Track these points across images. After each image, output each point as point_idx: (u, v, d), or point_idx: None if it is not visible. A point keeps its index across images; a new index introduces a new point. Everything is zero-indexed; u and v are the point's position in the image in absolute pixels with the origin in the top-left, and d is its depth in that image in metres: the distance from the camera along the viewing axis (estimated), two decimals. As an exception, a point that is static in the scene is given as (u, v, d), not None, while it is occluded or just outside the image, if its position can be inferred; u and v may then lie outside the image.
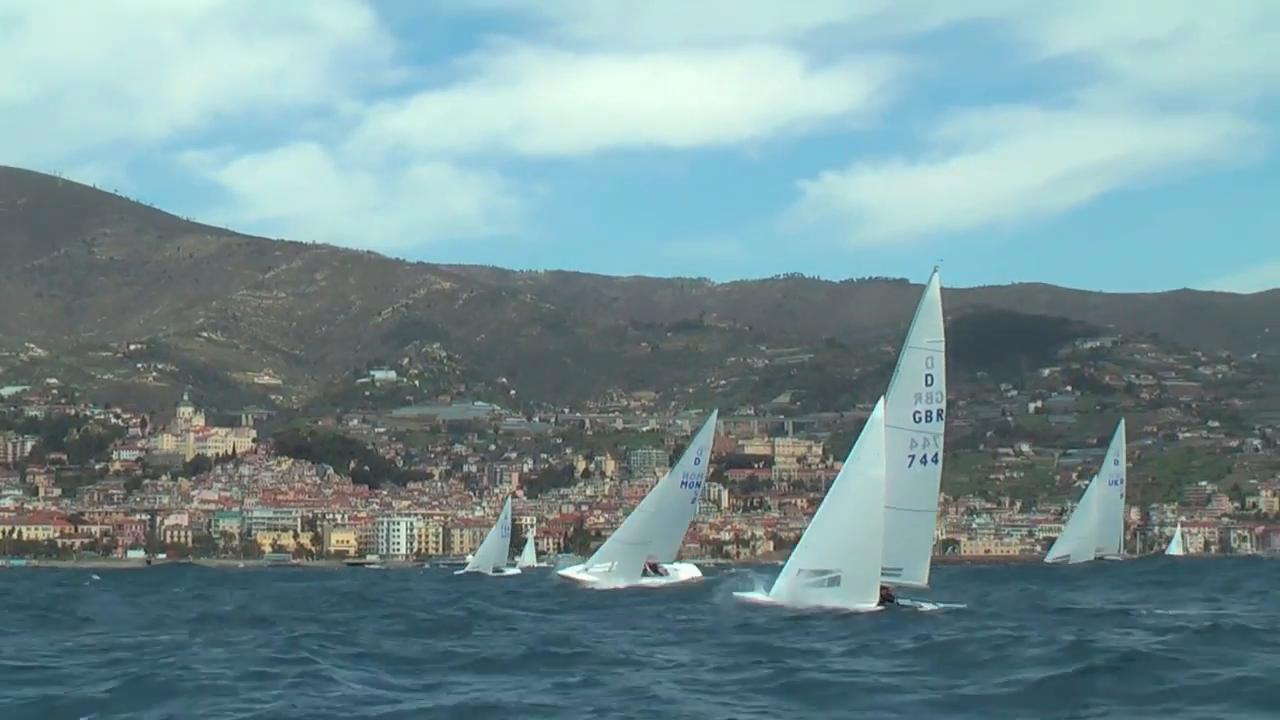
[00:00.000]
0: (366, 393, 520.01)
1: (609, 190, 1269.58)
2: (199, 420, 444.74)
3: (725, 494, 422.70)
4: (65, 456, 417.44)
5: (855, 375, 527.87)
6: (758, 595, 59.84)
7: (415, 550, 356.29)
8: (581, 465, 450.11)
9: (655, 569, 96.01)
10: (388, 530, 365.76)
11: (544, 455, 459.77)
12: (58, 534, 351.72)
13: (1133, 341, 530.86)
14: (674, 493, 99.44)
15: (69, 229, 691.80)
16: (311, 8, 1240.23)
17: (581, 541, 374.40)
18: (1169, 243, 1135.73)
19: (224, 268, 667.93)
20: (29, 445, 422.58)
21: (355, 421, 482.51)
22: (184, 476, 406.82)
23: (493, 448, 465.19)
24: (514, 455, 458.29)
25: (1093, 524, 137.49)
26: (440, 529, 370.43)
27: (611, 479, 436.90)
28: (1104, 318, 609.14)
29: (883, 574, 57.23)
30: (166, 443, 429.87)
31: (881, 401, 58.78)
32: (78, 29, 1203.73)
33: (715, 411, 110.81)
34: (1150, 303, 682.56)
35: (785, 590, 57.43)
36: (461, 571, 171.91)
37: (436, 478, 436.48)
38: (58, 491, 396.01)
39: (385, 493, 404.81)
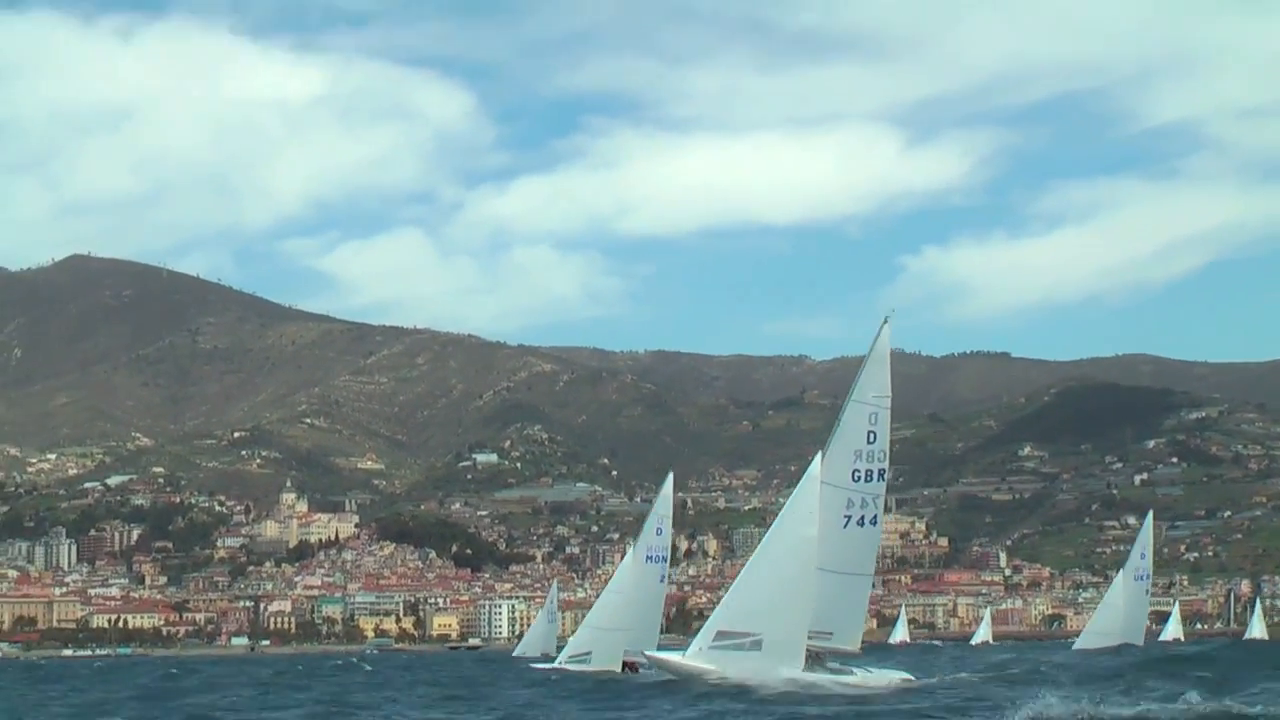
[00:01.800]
0: (468, 476, 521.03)
1: (709, 269, 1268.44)
2: (302, 506, 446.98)
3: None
4: (170, 544, 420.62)
5: (958, 450, 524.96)
6: (671, 656, 56.08)
7: (517, 633, 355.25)
8: (684, 545, 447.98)
9: (634, 669, 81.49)
10: (489, 613, 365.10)
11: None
12: (163, 622, 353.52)
13: (1239, 411, 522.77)
14: (640, 571, 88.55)
15: (174, 319, 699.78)
16: (413, 95, 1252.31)
17: (683, 622, 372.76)
18: (1275, 311, 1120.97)
19: (325, 354, 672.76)
20: (135, 534, 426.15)
21: (457, 505, 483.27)
22: (287, 563, 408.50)
23: (595, 528, 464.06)
24: (616, 536, 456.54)
25: (1117, 623, 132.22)
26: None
27: (714, 558, 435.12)
28: (1209, 388, 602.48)
29: (813, 637, 54.13)
30: (270, 529, 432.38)
31: (818, 457, 55.76)
32: (182, 121, 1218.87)
33: (670, 475, 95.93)
34: (1257, 372, 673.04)
35: (698, 654, 53.62)
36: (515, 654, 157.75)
37: (539, 560, 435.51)
38: (163, 579, 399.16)
39: (487, 575, 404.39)
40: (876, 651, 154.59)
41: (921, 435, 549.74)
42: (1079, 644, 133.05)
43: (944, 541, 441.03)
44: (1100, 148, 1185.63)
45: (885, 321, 57.25)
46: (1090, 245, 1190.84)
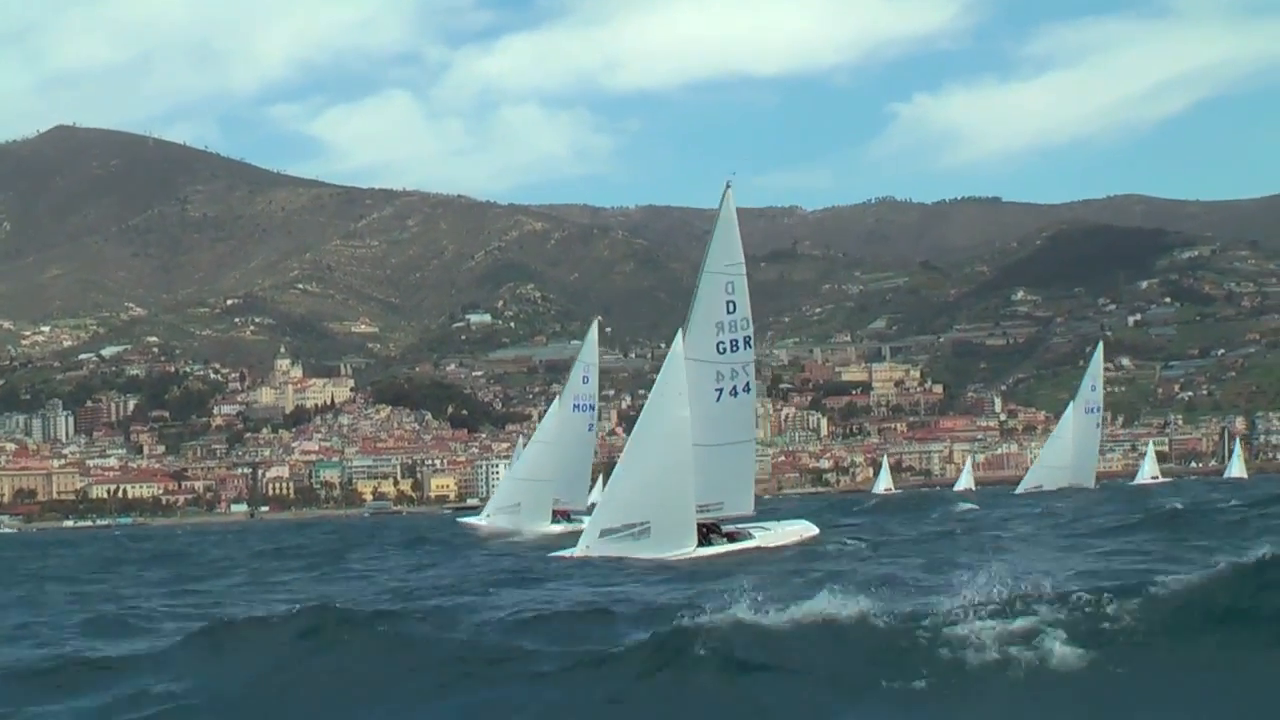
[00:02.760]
0: (463, 337, 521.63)
1: (698, 123, 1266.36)
2: (297, 372, 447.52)
3: (824, 421, 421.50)
4: (167, 414, 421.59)
5: (951, 297, 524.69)
6: (562, 554, 53.02)
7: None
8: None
9: (566, 516, 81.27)
10: (487, 473, 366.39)
11: (641, 391, 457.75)
12: (162, 491, 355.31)
13: (1232, 249, 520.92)
14: (567, 420, 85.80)
15: (162, 188, 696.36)
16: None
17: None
18: (1266, 148, 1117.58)
19: (316, 219, 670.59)
20: (131, 404, 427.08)
21: (452, 366, 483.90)
22: (284, 429, 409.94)
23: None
24: (612, 393, 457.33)
25: (1067, 455, 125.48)
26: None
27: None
28: (1201, 226, 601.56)
29: (703, 511, 52.52)
30: (266, 396, 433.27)
31: (679, 334, 53.32)
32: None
33: (596, 321, 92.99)
34: (1249, 209, 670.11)
35: (586, 551, 51.59)
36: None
37: (535, 418, 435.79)
38: (161, 449, 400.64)
39: (484, 436, 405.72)
40: (859, 500, 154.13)
41: (914, 283, 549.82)
42: (1022, 486, 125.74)
43: (938, 388, 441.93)
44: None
45: (728, 186, 54.90)
46: (1080, 87, 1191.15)
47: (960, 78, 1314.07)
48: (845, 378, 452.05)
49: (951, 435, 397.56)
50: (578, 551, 51.65)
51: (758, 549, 53.13)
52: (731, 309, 53.50)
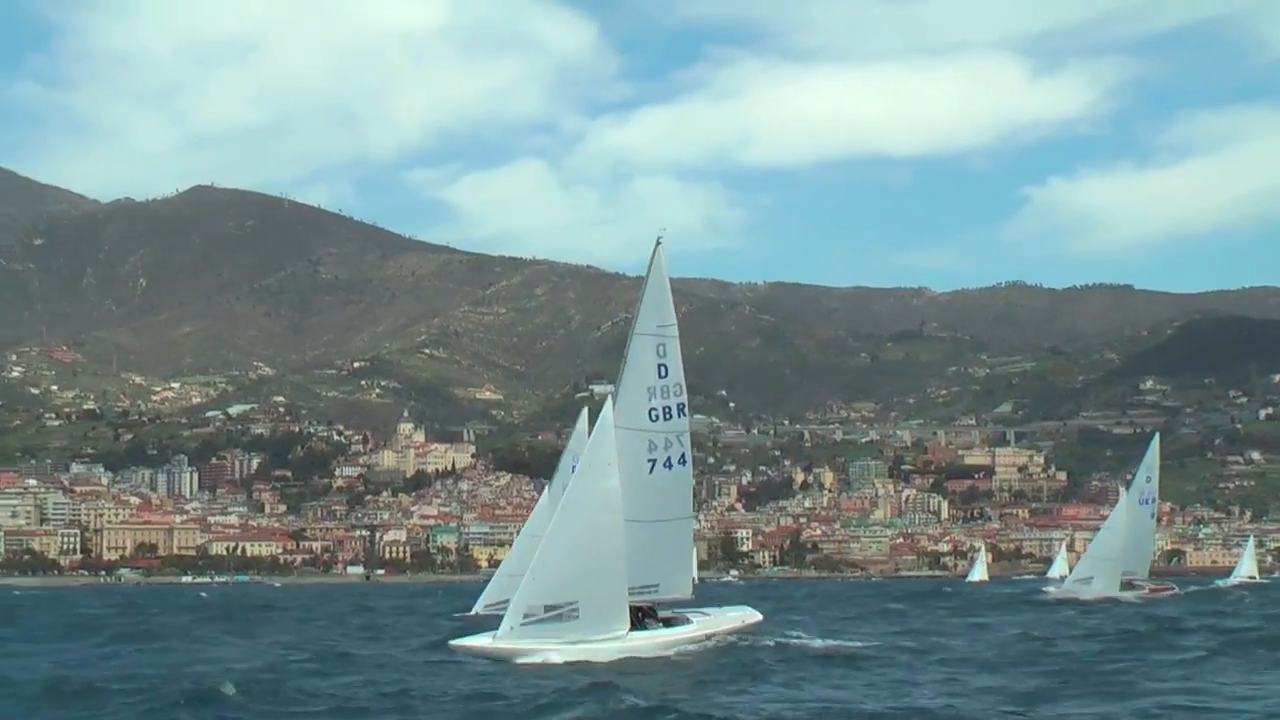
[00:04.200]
0: (586, 406, 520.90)
1: (830, 200, 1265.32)
2: (419, 436, 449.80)
3: (945, 505, 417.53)
4: (289, 473, 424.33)
5: (1079, 383, 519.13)
6: (481, 641, 49.87)
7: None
8: (800, 477, 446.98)
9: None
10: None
11: (762, 467, 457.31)
12: (280, 550, 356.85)
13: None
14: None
15: (295, 249, 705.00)
16: (535, 25, 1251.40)
17: (797, 555, 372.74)
18: None
19: (445, 285, 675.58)
20: (255, 462, 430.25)
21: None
22: (404, 492, 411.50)
23: (711, 460, 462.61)
24: (732, 468, 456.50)
25: (1118, 547, 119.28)
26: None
27: (830, 491, 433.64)
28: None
29: (637, 593, 49.66)
30: (387, 459, 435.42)
31: (609, 402, 50.07)
32: (306, 53, 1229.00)
33: (585, 411, 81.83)
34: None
35: (509, 634, 48.27)
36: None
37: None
38: (282, 508, 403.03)
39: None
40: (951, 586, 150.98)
41: (1041, 368, 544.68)
42: (1069, 581, 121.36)
43: (1062, 476, 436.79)
44: (1229, 76, 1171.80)
45: (658, 244, 51.50)
46: (1218, 176, 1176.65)
47: (1097, 163, 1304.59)
48: (968, 461, 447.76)
49: (1074, 523, 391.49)
50: (500, 639, 48.16)
51: (693, 636, 50.63)
52: (664, 373, 50.96)
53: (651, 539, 50.17)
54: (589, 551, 47.51)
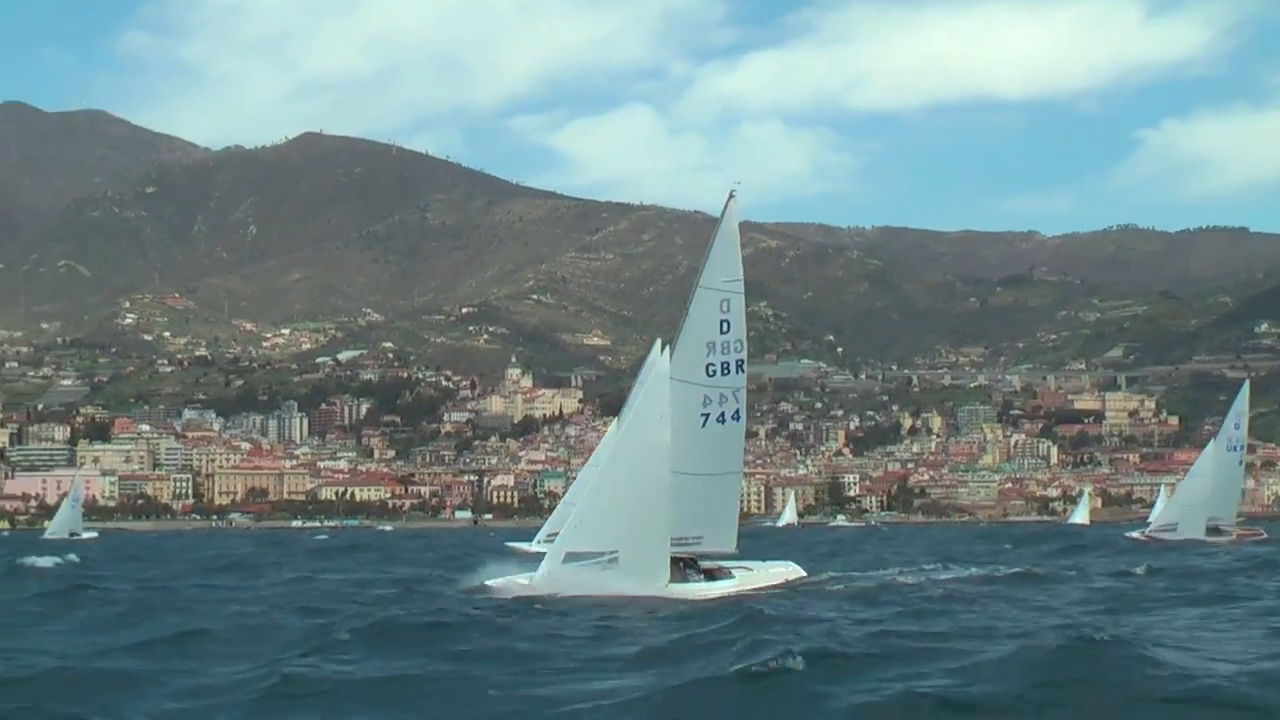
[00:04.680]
0: (658, 339, 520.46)
1: (939, 145, 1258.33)
2: (527, 382, 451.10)
3: (1054, 450, 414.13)
4: (398, 419, 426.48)
5: (1191, 327, 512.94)
6: (519, 579, 48.90)
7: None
8: (908, 422, 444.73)
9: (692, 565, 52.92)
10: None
11: (870, 412, 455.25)
12: (389, 495, 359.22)
13: None
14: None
15: (402, 196, 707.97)
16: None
17: (905, 500, 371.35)
18: None
19: (552, 231, 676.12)
20: (364, 408, 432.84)
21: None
22: (511, 437, 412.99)
23: (819, 405, 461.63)
24: (840, 413, 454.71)
25: (1205, 494, 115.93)
26: (762, 487, 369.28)
27: (938, 436, 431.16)
28: None
29: (680, 544, 48.08)
30: (495, 404, 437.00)
31: (665, 351, 49.02)
32: (414, 2, 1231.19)
33: (658, 342, 78.31)
34: None
35: (548, 577, 47.22)
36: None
37: (761, 436, 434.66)
38: (391, 453, 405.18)
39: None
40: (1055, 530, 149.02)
41: (1153, 312, 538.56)
42: (1154, 524, 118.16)
43: (1174, 420, 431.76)
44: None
45: (731, 196, 49.69)
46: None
47: (1211, 104, 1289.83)
48: (1078, 406, 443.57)
49: (1185, 468, 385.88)
50: (536, 581, 47.22)
51: (737, 590, 49.67)
52: (725, 329, 49.29)
53: (699, 492, 48.75)
54: (634, 503, 46.43)
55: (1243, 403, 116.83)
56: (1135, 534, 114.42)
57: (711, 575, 50.17)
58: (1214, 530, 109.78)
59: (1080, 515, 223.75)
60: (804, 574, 53.42)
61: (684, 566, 49.36)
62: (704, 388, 49.19)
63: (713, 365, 49.22)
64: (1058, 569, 55.59)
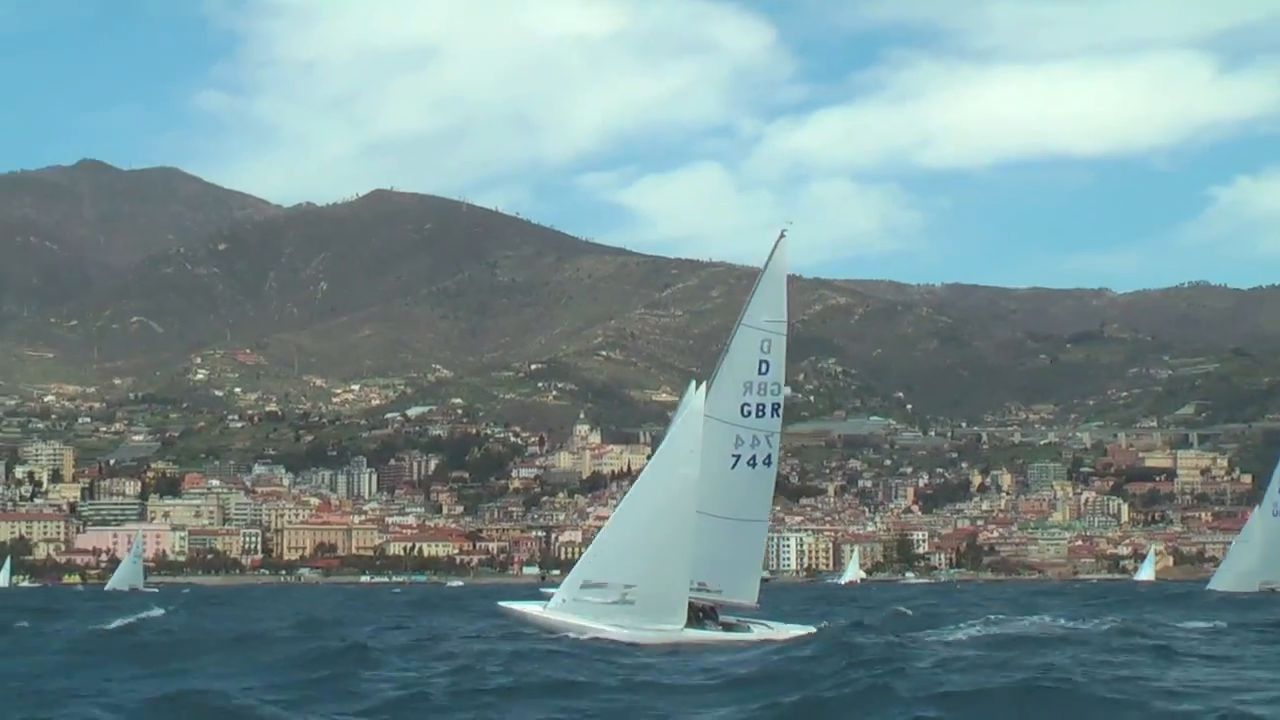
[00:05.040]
0: (693, 379, 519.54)
1: (1009, 202, 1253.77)
2: (595, 438, 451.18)
3: (1125, 508, 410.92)
4: (467, 474, 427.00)
5: (1264, 385, 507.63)
6: (530, 607, 49.05)
7: (805, 566, 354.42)
8: (977, 480, 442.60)
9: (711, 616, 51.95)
10: (778, 546, 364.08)
11: (939, 470, 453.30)
12: (456, 550, 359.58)
13: None
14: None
15: (472, 253, 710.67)
16: (712, 28, 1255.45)
17: (974, 557, 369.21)
18: None
19: (621, 287, 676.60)
20: (433, 464, 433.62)
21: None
22: (580, 494, 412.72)
23: (888, 462, 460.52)
24: (909, 470, 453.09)
25: (1254, 560, 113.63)
26: (830, 544, 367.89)
27: (1008, 493, 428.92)
28: None
29: (698, 592, 47.77)
30: (564, 460, 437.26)
31: (700, 388, 48.46)
32: (483, 60, 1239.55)
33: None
34: None
35: (562, 606, 47.07)
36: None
37: (831, 493, 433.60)
38: (459, 509, 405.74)
39: (778, 508, 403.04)
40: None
41: (1226, 370, 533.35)
42: (1214, 583, 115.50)
43: (1247, 478, 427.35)
44: None
45: (782, 235, 48.78)
46: None
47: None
48: (1149, 464, 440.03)
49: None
50: (550, 610, 47.15)
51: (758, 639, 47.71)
52: (764, 369, 49.35)
53: (722, 537, 48.73)
54: (655, 536, 45.95)
55: None
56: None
57: (729, 628, 49.39)
58: (1269, 592, 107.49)
59: (1146, 572, 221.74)
60: (814, 631, 50.92)
61: (703, 616, 48.74)
62: (737, 428, 48.88)
63: (748, 405, 49.00)
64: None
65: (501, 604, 50.50)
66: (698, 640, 45.54)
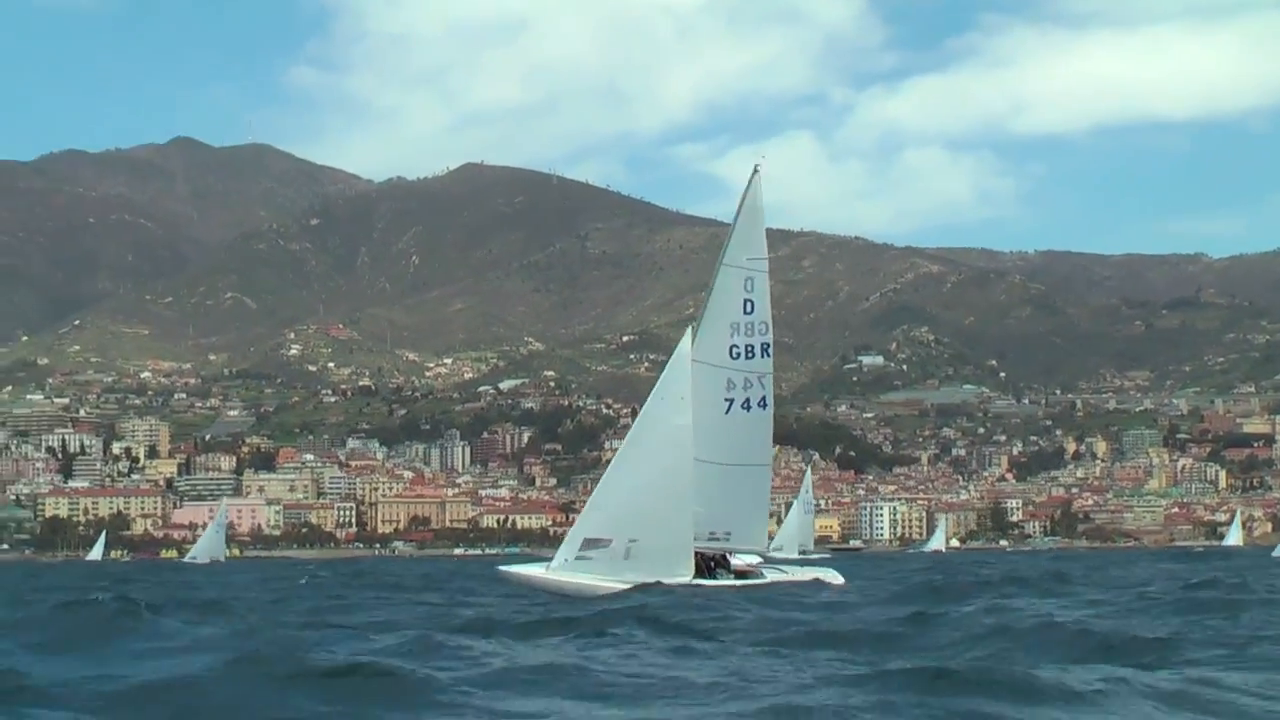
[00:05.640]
0: (854, 378, 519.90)
1: (1103, 167, 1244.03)
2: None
3: (1222, 474, 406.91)
4: (560, 447, 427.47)
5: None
6: (532, 571, 47.95)
7: (899, 535, 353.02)
8: (1072, 447, 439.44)
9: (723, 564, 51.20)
10: (870, 515, 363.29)
11: (1033, 437, 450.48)
12: (549, 523, 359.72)
13: None
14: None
15: (563, 225, 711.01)
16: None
17: (1069, 525, 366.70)
18: None
19: (712, 258, 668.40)
20: (525, 436, 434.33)
21: (843, 407, 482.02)
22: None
23: (981, 430, 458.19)
24: (1003, 438, 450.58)
25: None
26: (924, 513, 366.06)
27: (1103, 461, 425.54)
28: None
29: (710, 540, 47.00)
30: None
31: (688, 333, 48.08)
32: (574, 32, 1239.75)
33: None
34: None
35: (564, 566, 45.87)
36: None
37: (924, 462, 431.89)
38: (552, 481, 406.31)
39: (871, 478, 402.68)
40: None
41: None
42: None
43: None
44: None
45: (755, 171, 49.30)
46: None
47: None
48: (1247, 429, 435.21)
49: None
50: (552, 571, 46.12)
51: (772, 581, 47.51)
52: (749, 309, 48.76)
53: (724, 483, 47.63)
54: (654, 488, 45.12)
55: None
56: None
57: (742, 575, 48.89)
58: None
59: (1234, 537, 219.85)
60: (842, 581, 50.50)
61: (714, 565, 48.22)
62: (727, 371, 48.41)
63: (736, 347, 48.58)
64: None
65: (502, 568, 49.65)
66: (712, 587, 44.80)
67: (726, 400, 48.53)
